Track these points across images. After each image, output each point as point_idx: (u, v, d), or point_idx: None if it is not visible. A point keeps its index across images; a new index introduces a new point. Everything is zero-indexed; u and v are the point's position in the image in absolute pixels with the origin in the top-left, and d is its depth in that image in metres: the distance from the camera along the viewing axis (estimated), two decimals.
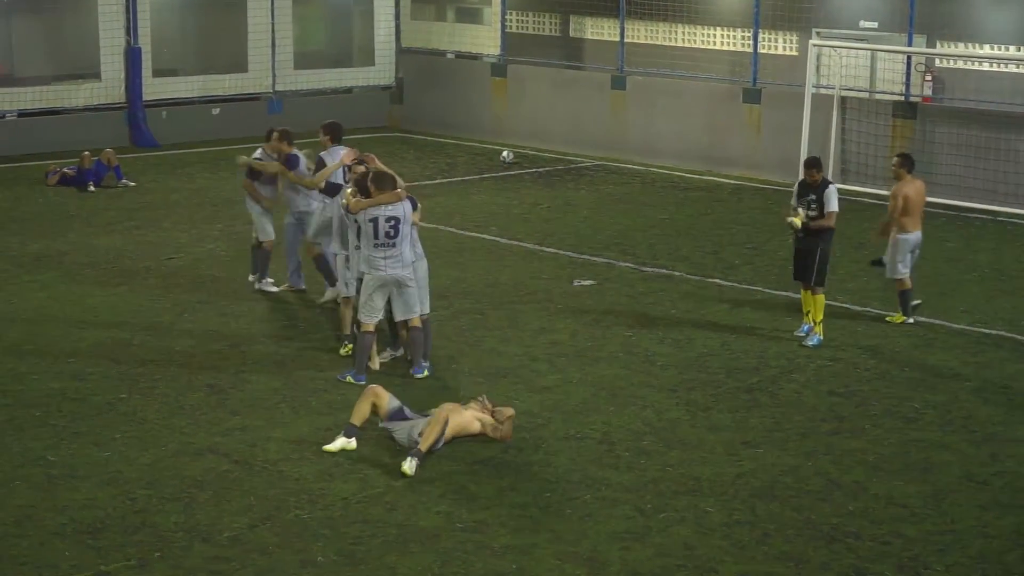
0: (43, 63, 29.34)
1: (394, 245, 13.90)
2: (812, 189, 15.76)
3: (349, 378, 14.15)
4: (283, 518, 10.90)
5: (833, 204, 15.61)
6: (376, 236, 13.86)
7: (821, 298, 15.81)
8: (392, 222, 13.87)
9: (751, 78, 27.53)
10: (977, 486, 11.84)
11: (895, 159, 17.18)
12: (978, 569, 10.30)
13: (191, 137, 29.19)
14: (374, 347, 14.50)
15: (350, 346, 14.93)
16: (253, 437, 12.61)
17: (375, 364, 14.56)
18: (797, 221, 15.73)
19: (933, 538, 10.78)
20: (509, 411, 12.70)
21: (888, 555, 10.47)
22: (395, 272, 13.97)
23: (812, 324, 15.88)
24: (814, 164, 15.93)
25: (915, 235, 16.80)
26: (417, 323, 14.32)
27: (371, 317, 14.16)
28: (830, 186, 15.71)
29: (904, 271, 16.70)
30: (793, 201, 16.00)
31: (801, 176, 16.17)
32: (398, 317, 14.34)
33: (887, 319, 16.86)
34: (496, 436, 12.54)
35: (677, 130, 27.98)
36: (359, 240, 14.22)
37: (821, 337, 15.79)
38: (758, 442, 12.77)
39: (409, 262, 14.09)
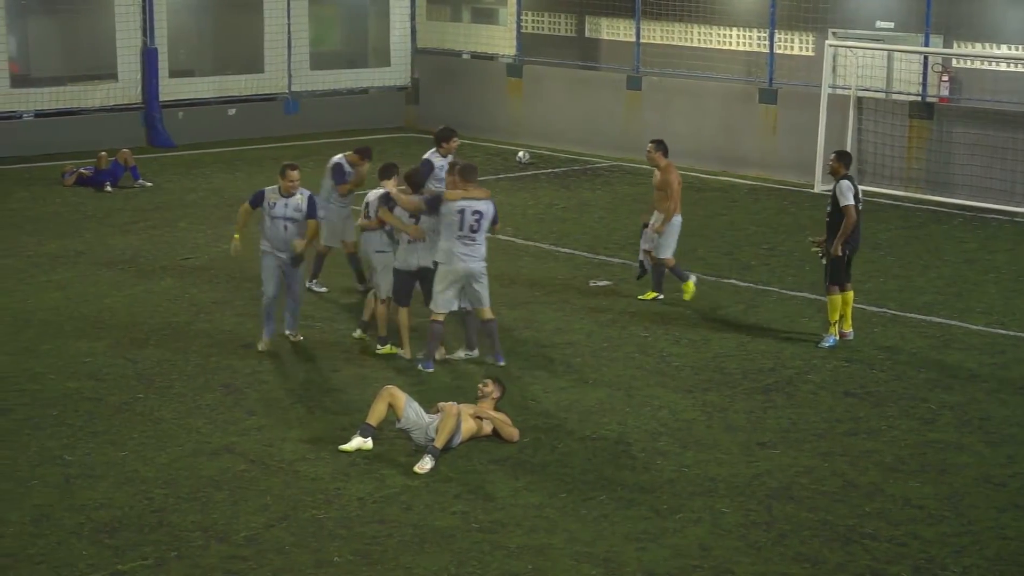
0: (60, 64, 29.41)
1: (474, 239, 14.30)
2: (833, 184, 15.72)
3: (419, 366, 14.39)
4: (299, 518, 10.91)
5: (845, 198, 15.44)
6: (461, 228, 14.25)
7: (834, 298, 15.69)
8: (477, 216, 14.28)
9: (767, 78, 27.50)
10: (994, 488, 11.81)
11: (651, 144, 17.50)
12: (995, 571, 10.27)
13: (207, 137, 29.25)
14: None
15: (388, 347, 15.13)
16: (269, 437, 12.62)
17: (407, 353, 14.89)
18: (813, 249, 16.21)
19: (950, 540, 10.76)
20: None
21: (905, 556, 10.45)
22: (472, 265, 14.34)
23: (836, 326, 15.83)
24: (835, 152, 15.91)
25: (680, 217, 17.55)
26: (491, 315, 14.69)
27: (444, 308, 14.48)
28: (842, 180, 15.53)
29: (670, 252, 17.42)
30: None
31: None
32: (472, 307, 14.71)
33: (640, 297, 17.49)
34: (505, 436, 12.56)
35: (692, 130, 27.93)
36: (439, 231, 14.49)
37: (837, 338, 15.74)
38: (774, 443, 12.75)
39: (484, 256, 14.47)
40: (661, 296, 17.54)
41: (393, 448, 12.32)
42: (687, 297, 17.43)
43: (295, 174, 14.86)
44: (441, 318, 14.53)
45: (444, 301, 14.47)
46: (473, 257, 14.36)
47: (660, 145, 17.44)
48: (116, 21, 28.49)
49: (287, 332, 15.48)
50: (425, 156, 16.68)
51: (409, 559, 10.23)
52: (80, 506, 11.05)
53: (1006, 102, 25.49)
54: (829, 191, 15.93)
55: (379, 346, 15.21)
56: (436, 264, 14.57)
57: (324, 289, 17.60)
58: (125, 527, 10.68)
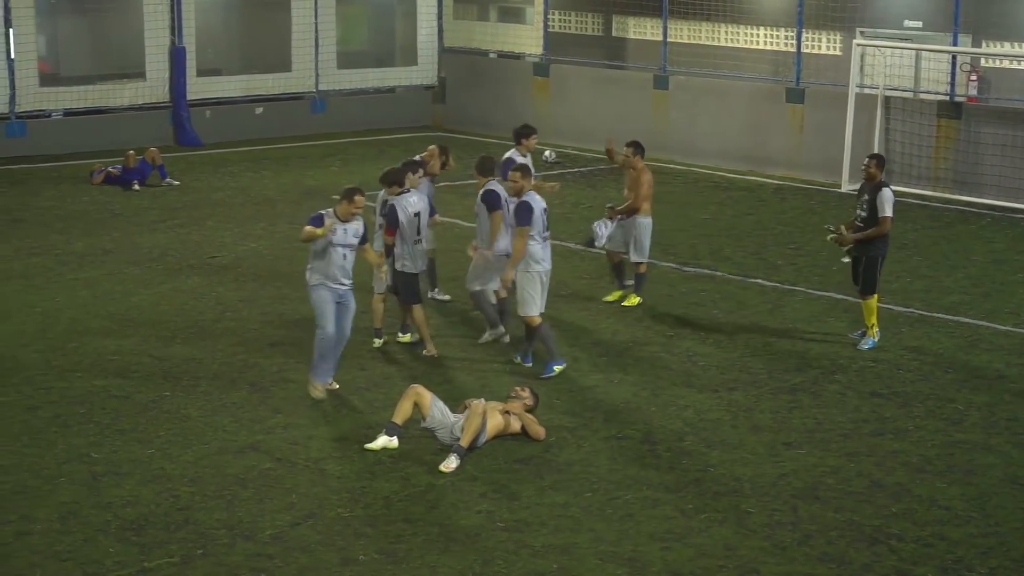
0: (88, 63, 29.52)
1: (547, 237, 14.50)
2: (866, 188, 15.55)
3: (556, 367, 14.41)
4: (325, 516, 10.94)
5: (886, 209, 15.31)
6: (545, 228, 14.40)
7: (870, 302, 15.62)
8: (546, 213, 14.49)
9: (794, 78, 27.42)
10: (1021, 489, 11.76)
11: (628, 147, 17.32)
12: (1022, 572, 10.23)
13: (235, 136, 29.33)
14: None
15: (408, 335, 15.35)
16: (295, 435, 12.66)
17: (432, 350, 14.92)
18: (829, 237, 15.90)
19: (976, 540, 10.72)
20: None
21: (931, 557, 10.41)
22: (550, 265, 14.56)
23: (865, 328, 15.76)
24: (874, 157, 15.73)
25: (650, 220, 17.35)
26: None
27: (537, 309, 14.42)
28: (884, 189, 15.42)
29: (643, 257, 17.23)
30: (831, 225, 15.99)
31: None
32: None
33: (624, 304, 17.17)
34: (531, 434, 12.57)
35: (719, 130, 27.89)
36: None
37: (875, 340, 15.65)
38: (800, 443, 12.72)
39: None
40: (629, 284, 17.41)
41: (418, 447, 12.33)
42: (608, 298, 17.31)
43: (363, 200, 13.52)
44: (540, 319, 14.46)
45: (533, 303, 14.37)
46: (550, 255, 14.56)
47: (638, 148, 17.28)
48: (144, 20, 28.58)
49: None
50: (507, 155, 16.83)
51: (434, 558, 10.25)
52: (107, 503, 11.10)
53: None
54: (854, 190, 15.84)
55: (400, 334, 15.31)
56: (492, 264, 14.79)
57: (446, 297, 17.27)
58: (151, 525, 10.73)
